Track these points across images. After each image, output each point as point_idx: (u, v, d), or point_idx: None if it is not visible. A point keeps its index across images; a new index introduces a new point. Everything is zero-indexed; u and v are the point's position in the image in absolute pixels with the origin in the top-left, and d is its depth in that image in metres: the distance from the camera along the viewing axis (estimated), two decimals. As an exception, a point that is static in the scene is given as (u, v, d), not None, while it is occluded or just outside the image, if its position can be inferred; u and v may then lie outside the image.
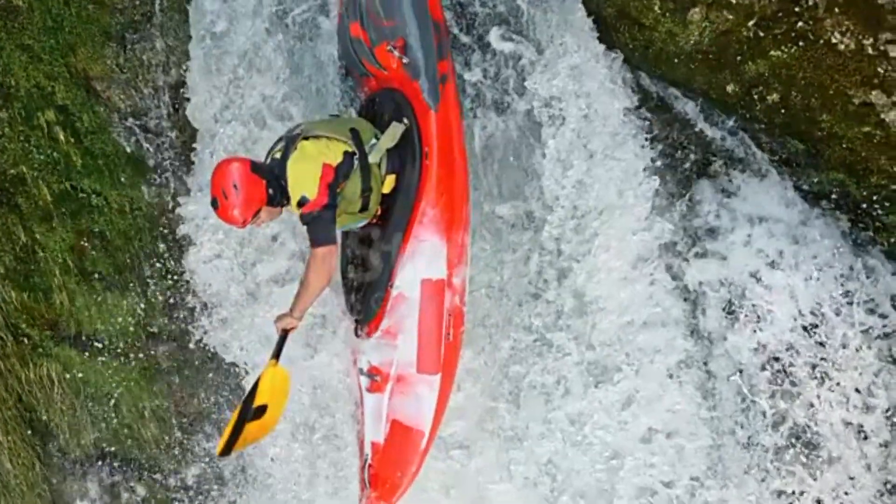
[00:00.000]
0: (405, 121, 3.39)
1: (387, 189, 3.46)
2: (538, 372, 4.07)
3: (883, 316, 3.47)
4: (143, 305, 4.99)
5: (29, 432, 5.26)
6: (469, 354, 4.00)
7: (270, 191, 3.16)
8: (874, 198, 3.26)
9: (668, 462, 3.97)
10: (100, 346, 5.07)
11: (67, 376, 5.16)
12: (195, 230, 4.77)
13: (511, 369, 4.14)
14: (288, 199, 3.24)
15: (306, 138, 3.23)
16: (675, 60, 3.57)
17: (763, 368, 3.79)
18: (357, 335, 3.63)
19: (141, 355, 5.11)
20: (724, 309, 3.86)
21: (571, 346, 4.01)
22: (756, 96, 3.39)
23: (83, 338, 5.07)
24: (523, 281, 4.08)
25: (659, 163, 3.90)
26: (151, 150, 4.67)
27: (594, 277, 3.85)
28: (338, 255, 3.59)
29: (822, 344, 3.60)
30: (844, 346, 3.54)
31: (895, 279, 3.38)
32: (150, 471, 5.61)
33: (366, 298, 3.54)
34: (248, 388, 3.40)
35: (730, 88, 3.48)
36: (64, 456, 5.50)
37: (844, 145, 3.23)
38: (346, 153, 3.22)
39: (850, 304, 3.47)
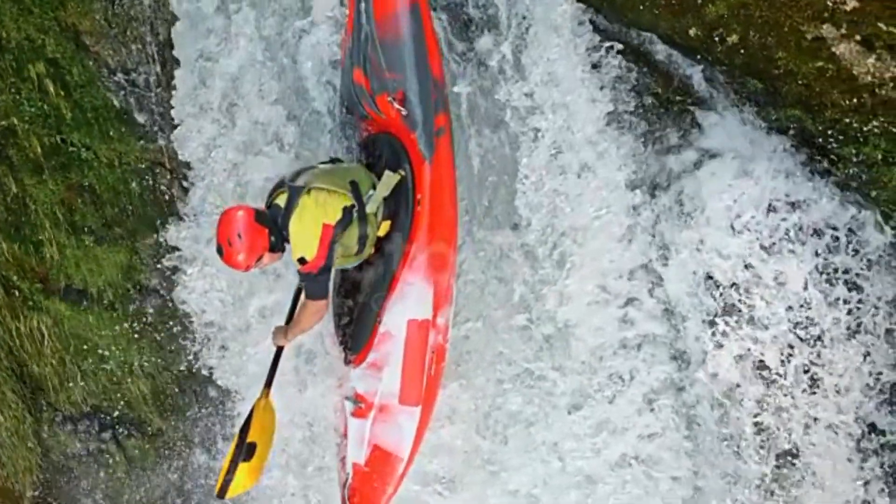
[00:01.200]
0: (401, 171, 3.59)
1: (382, 233, 3.66)
2: (521, 404, 4.25)
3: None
4: (131, 259, 5.11)
5: (20, 385, 5.40)
6: (456, 389, 4.24)
7: (272, 238, 3.36)
8: (829, 132, 3.35)
9: (641, 488, 4.11)
10: (88, 300, 5.19)
11: (57, 330, 5.29)
12: (187, 258, 5.04)
13: (497, 402, 4.32)
14: (289, 242, 3.45)
15: (308, 191, 3.39)
16: (640, 7, 3.68)
17: (742, 397, 3.83)
18: (345, 363, 3.87)
19: (130, 308, 5.22)
20: (704, 321, 3.89)
21: (554, 374, 4.17)
22: (717, 38, 3.49)
23: (73, 292, 5.20)
24: (509, 311, 4.22)
25: (631, 120, 4.00)
26: (140, 105, 4.80)
27: (568, 302, 4.00)
28: (332, 289, 3.85)
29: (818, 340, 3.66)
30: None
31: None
32: (139, 427, 5.74)
33: (355, 332, 3.79)
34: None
35: (692, 32, 3.58)
36: (54, 411, 5.63)
37: (800, 81, 3.32)
38: (345, 208, 3.40)
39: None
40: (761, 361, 3.75)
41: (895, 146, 3.19)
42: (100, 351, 5.38)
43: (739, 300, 3.76)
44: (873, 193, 3.29)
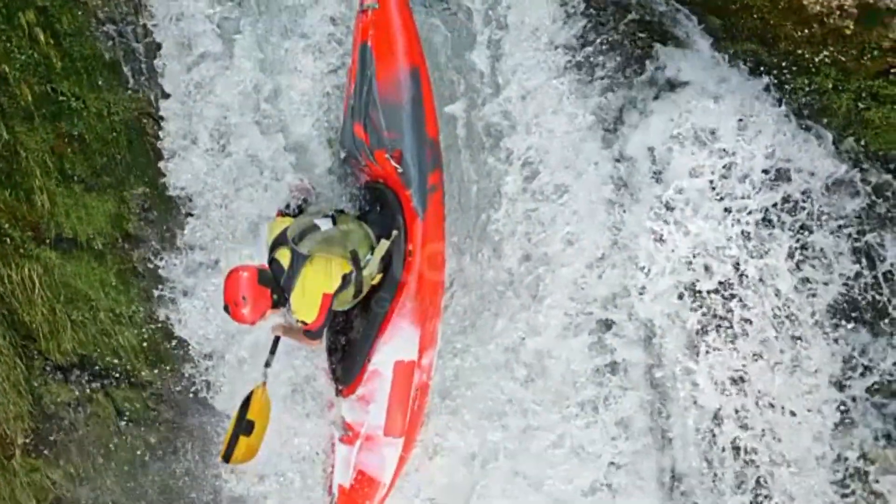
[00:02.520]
0: (395, 231, 3.88)
1: (375, 282, 3.96)
2: (503, 438, 4.49)
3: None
4: (119, 209, 5.25)
5: (11, 333, 5.53)
6: (442, 423, 4.53)
7: (275, 297, 3.61)
8: (783, 64, 3.52)
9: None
10: (78, 248, 5.33)
11: (48, 279, 5.42)
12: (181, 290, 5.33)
13: (482, 435, 4.55)
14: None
15: (311, 260, 3.64)
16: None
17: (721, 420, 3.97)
18: (336, 394, 4.22)
19: (118, 257, 5.36)
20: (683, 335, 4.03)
21: (533, 406, 4.40)
22: (679, -21, 3.66)
23: (63, 240, 5.33)
24: (493, 345, 4.47)
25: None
26: (127, 56, 4.93)
27: (543, 331, 4.25)
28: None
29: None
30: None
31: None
32: (129, 378, 5.88)
33: (346, 367, 4.13)
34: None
35: (655, -25, 3.75)
36: (45, 360, 5.76)
37: (755, 16, 3.49)
38: (344, 275, 3.67)
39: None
40: (741, 377, 3.90)
41: (844, 75, 3.35)
42: (90, 301, 5.52)
43: (719, 310, 3.90)
44: (825, 121, 3.46)
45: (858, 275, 3.56)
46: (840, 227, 3.48)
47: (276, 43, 4.79)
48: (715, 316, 3.91)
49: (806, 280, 3.68)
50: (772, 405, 3.82)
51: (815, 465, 3.76)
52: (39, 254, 5.33)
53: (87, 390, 5.83)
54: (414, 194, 3.83)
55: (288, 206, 4.25)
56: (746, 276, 3.80)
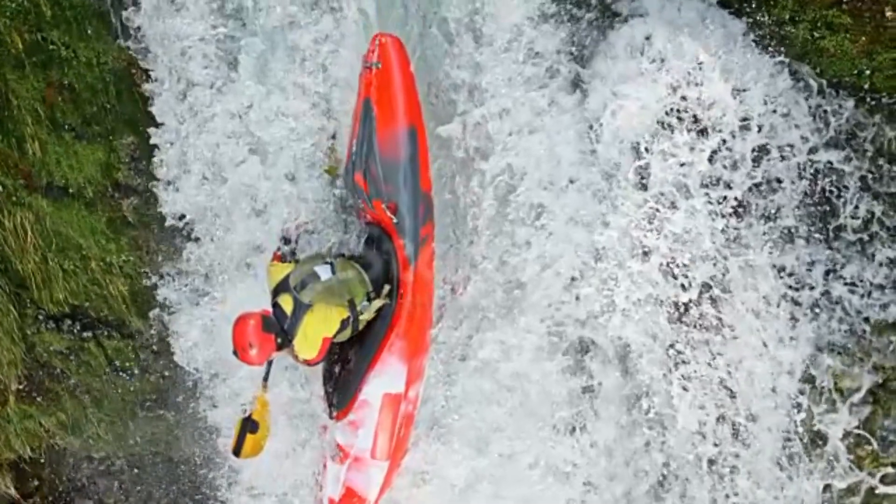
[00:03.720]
0: (387, 287, 4.25)
1: (370, 318, 4.30)
2: (486, 465, 4.78)
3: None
4: (109, 158, 5.37)
5: (4, 281, 5.67)
6: (430, 452, 4.82)
7: (279, 340, 3.96)
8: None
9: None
10: (69, 197, 5.46)
11: (40, 227, 5.55)
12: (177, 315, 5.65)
13: (467, 461, 4.82)
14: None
15: (312, 309, 3.98)
16: None
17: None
18: (329, 416, 4.57)
19: (109, 205, 5.49)
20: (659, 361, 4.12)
21: (514, 435, 4.65)
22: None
23: (54, 189, 5.46)
24: (478, 374, 4.69)
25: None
26: (116, 5, 5.05)
27: (518, 354, 4.47)
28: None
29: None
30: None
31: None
32: (119, 329, 6.01)
33: (339, 394, 4.45)
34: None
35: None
36: (38, 308, 5.90)
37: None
38: (343, 320, 4.05)
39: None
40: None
41: (800, 6, 3.50)
42: (81, 250, 5.65)
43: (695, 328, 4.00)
44: (783, 49, 3.61)
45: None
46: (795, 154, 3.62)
47: (272, 70, 5.01)
48: (696, 327, 4.04)
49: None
50: (750, 419, 3.94)
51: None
52: (31, 202, 5.46)
53: (79, 339, 5.98)
54: (407, 244, 4.17)
55: (285, 242, 4.53)
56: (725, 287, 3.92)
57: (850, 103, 3.42)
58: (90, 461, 6.87)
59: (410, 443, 4.60)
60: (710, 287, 3.88)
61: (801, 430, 3.50)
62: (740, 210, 3.77)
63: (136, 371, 6.09)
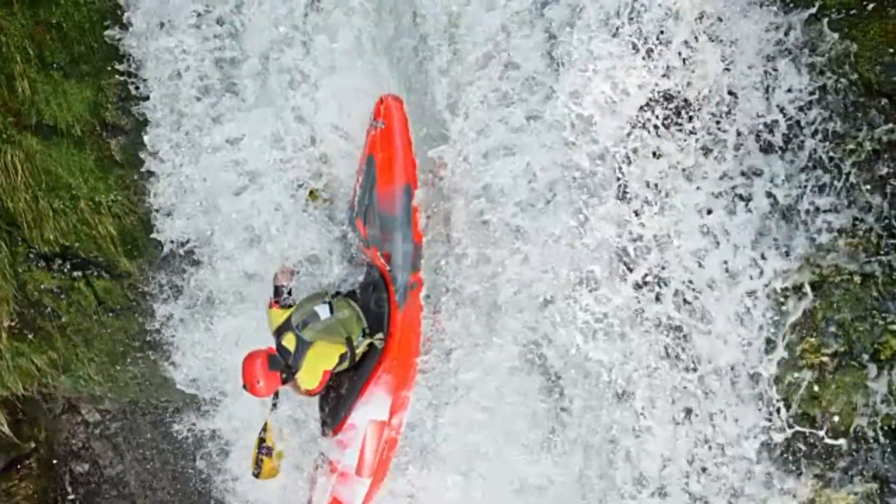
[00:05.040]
0: (380, 335, 4.72)
1: (364, 351, 4.79)
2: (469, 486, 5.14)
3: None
4: (97, 97, 5.52)
5: (-3, 219, 5.85)
6: (418, 475, 5.25)
7: (284, 376, 4.45)
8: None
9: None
10: (58, 135, 5.60)
11: (30, 165, 5.71)
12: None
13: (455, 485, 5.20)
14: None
15: (313, 346, 4.47)
16: None
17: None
18: (322, 434, 5.09)
19: (97, 144, 5.62)
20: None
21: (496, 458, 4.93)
22: None
23: (43, 127, 5.59)
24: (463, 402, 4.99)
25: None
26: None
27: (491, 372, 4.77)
28: None
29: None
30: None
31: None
32: (109, 269, 6.17)
33: (332, 416, 4.98)
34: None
35: None
36: (28, 247, 6.06)
37: None
38: (341, 355, 4.56)
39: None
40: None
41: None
42: (70, 189, 5.80)
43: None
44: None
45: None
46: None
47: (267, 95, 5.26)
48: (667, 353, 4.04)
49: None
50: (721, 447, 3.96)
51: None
52: (21, 140, 5.61)
53: (69, 279, 6.13)
54: (398, 290, 4.66)
55: (280, 293, 4.89)
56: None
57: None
58: (86, 426, 7.09)
59: (393, 464, 5.11)
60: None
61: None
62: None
63: (125, 311, 6.23)
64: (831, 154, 3.38)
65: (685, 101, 3.73)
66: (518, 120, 4.28)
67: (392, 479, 5.20)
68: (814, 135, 3.41)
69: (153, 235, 5.71)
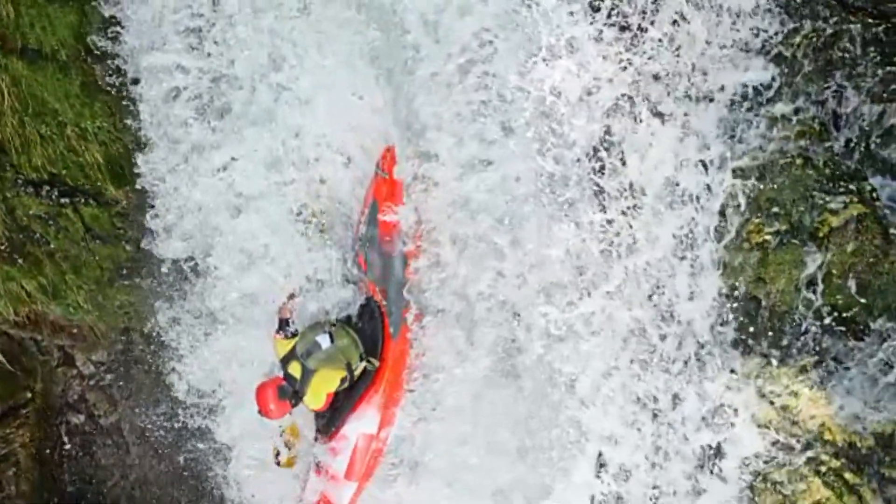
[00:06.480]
0: (375, 362, 5.32)
1: (360, 373, 5.37)
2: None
3: None
4: (81, 22, 5.63)
5: (-15, 143, 5.95)
6: (408, 487, 5.80)
7: (292, 402, 5.12)
8: None
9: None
10: (43, 59, 5.69)
11: (16, 90, 5.81)
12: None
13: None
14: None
15: (317, 372, 5.06)
16: None
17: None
18: (316, 440, 5.72)
19: (82, 69, 5.74)
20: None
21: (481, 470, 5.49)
22: None
23: (29, 51, 5.68)
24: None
25: None
26: None
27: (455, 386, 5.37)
28: None
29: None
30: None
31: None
32: (96, 197, 6.29)
33: (326, 426, 5.58)
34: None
35: None
36: (17, 173, 6.17)
37: None
38: (342, 379, 5.16)
39: None
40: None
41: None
42: (57, 115, 5.91)
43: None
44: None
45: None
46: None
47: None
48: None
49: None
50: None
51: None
52: (7, 63, 5.69)
53: (57, 206, 6.23)
54: (391, 323, 5.26)
55: (285, 324, 5.42)
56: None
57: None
58: (81, 378, 7.25)
59: (379, 473, 5.70)
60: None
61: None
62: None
63: (113, 238, 6.37)
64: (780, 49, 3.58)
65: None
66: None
67: (380, 489, 5.79)
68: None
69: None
